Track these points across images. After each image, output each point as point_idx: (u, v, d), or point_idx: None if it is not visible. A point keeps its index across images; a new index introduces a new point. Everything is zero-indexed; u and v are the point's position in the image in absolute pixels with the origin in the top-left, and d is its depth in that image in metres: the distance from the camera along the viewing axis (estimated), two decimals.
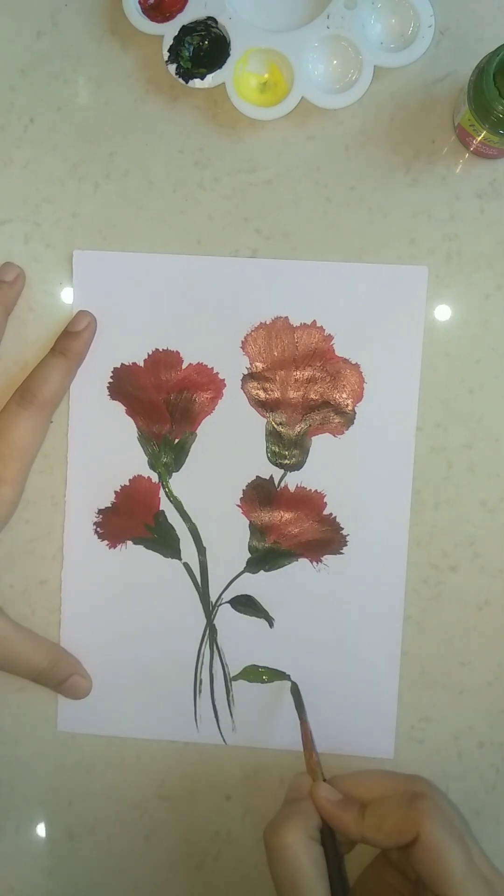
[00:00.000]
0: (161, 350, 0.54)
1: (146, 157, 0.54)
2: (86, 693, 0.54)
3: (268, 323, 0.53)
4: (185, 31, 0.51)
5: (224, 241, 0.54)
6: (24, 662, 0.53)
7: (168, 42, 0.51)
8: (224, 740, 0.55)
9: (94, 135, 0.54)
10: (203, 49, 0.51)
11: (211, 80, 0.51)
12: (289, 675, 0.54)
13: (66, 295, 0.54)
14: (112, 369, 0.54)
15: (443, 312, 0.53)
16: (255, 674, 0.54)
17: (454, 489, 0.53)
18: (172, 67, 0.51)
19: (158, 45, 0.52)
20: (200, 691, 0.55)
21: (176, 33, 0.51)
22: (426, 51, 0.51)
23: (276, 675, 0.54)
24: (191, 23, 0.51)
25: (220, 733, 0.55)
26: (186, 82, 0.52)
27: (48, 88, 0.54)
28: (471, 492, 0.53)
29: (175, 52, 0.51)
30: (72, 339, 0.53)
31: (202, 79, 0.51)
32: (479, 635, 0.54)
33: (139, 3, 0.52)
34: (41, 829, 0.56)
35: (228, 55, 0.51)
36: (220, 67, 0.51)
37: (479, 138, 0.50)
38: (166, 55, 0.51)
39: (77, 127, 0.54)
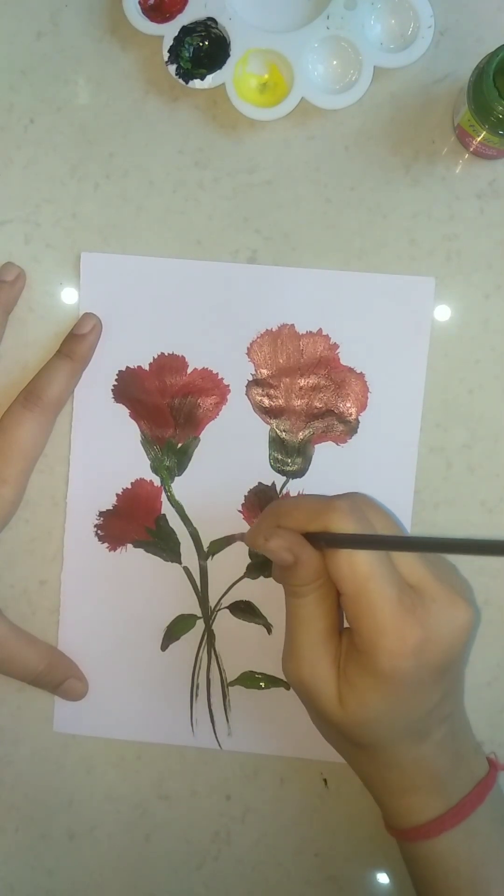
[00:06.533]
0: (167, 354, 0.54)
1: (146, 158, 0.54)
2: (81, 696, 0.54)
3: (274, 330, 0.53)
4: (185, 31, 0.51)
5: (224, 242, 0.53)
6: (20, 665, 0.53)
7: (168, 42, 0.51)
8: (219, 745, 0.55)
9: (94, 135, 0.54)
10: (203, 49, 0.51)
11: (211, 80, 0.51)
12: (286, 683, 0.54)
13: (67, 295, 0.54)
14: (117, 372, 0.54)
15: (443, 312, 0.53)
16: (252, 680, 0.54)
17: (454, 489, 0.53)
18: (172, 68, 0.51)
19: (158, 46, 0.52)
20: (197, 696, 0.54)
21: (176, 34, 0.51)
22: (426, 51, 0.51)
23: (274, 681, 0.54)
24: (191, 23, 0.51)
25: (216, 738, 0.54)
26: (186, 83, 0.51)
27: (48, 88, 0.54)
28: (471, 492, 0.53)
29: (175, 53, 0.51)
30: (77, 342, 0.53)
31: (202, 79, 0.51)
32: (479, 635, 0.54)
33: (139, 3, 0.52)
34: (41, 829, 0.56)
35: (228, 56, 0.51)
36: (220, 68, 0.51)
37: (479, 139, 0.49)
38: (166, 56, 0.51)
39: (77, 127, 0.54)
